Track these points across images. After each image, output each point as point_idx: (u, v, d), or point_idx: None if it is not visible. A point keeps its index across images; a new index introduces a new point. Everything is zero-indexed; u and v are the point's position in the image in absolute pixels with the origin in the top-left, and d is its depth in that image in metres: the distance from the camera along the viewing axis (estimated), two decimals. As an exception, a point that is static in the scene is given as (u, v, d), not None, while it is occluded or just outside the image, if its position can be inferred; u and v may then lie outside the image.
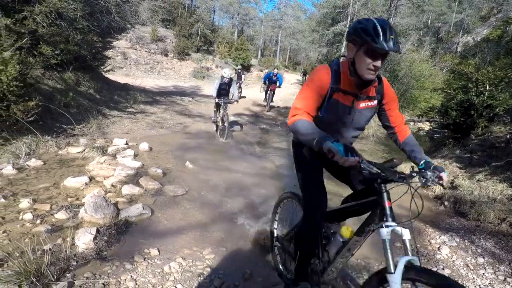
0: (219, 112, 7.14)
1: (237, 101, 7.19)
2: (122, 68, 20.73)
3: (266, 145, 7.05)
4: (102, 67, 10.53)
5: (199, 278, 2.29)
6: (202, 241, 2.81)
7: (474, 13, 28.59)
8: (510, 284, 2.59)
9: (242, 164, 5.36)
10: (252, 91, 16.91)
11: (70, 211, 2.91)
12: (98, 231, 2.57)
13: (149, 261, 2.40)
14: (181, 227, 3.01)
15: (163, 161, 4.90)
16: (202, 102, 12.84)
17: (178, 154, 5.36)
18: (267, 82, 12.46)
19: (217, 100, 6.98)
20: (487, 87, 6.00)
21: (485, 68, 6.16)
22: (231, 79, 7.06)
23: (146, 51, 24.19)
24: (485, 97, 6.02)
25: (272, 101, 12.45)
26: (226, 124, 6.71)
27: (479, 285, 2.58)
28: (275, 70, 12.73)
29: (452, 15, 28.44)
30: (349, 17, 17.45)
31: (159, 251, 2.53)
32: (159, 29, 26.28)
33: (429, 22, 28.92)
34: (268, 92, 12.39)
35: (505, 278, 2.67)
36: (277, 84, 12.20)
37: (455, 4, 28.24)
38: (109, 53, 11.85)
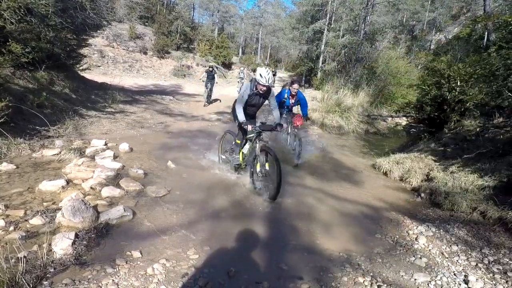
0: (253, 147, 4.24)
1: (283, 127, 4.33)
2: (99, 66, 20.10)
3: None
4: (77, 66, 10.14)
5: (184, 278, 2.27)
6: (186, 241, 2.78)
7: (445, 12, 29.83)
8: (481, 269, 2.74)
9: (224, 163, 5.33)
10: (233, 89, 16.82)
11: (46, 216, 2.80)
12: (76, 235, 2.49)
13: (131, 263, 2.35)
14: (164, 228, 2.97)
15: (144, 162, 4.80)
16: (183, 101, 12.67)
17: (159, 154, 5.26)
18: (285, 112, 6.16)
19: (249, 127, 3.96)
20: (458, 83, 6.28)
21: (456, 65, 6.44)
22: (269, 88, 4.21)
23: (124, 49, 23.55)
24: (456, 93, 6.30)
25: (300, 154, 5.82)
26: (280, 176, 3.71)
27: (453, 272, 2.71)
28: (295, 85, 6.04)
29: (425, 13, 29.52)
30: (327, 15, 17.71)
31: (141, 253, 2.49)
32: (137, 26, 25.64)
33: (404, 21, 29.88)
34: (290, 131, 6.20)
35: (476, 264, 2.83)
36: (301, 113, 6.12)
37: (428, 3, 29.31)
38: (84, 51, 11.42)
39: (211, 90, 11.96)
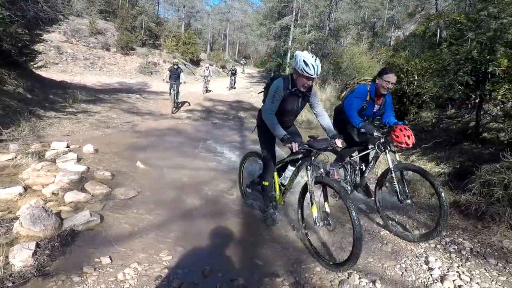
0: (295, 175, 2.96)
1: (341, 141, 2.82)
2: (57, 64, 18.76)
3: (219, 140, 7.01)
4: (32, 63, 9.39)
5: (157, 281, 2.23)
6: (158, 243, 2.72)
7: (402, 10, 31.58)
8: (440, 250, 2.98)
9: (196, 161, 5.27)
10: (201, 86, 16.54)
11: (1, 226, 2.58)
12: (38, 245, 2.33)
13: (100, 270, 2.26)
14: (134, 231, 2.87)
15: (111, 163, 4.59)
16: (151, 99, 12.27)
17: (127, 155, 5.07)
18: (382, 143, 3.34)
19: (294, 146, 2.49)
20: (416, 77, 6.72)
21: (413, 60, 6.88)
22: (310, 88, 2.86)
23: (84, 45, 22.16)
24: (414, 86, 6.74)
25: None
26: (359, 228, 2.28)
27: (416, 254, 2.92)
28: (391, 75, 3.27)
29: (385, 11, 31.03)
30: (294, 11, 17.97)
31: (111, 259, 2.40)
32: (98, 21, 24.27)
33: (366, 18, 31.14)
34: (391, 163, 3.25)
35: (435, 246, 3.06)
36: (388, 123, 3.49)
37: (387, 1, 30.81)
38: (39, 47, 10.59)
39: (177, 92, 10.06)
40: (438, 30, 12.87)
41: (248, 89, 17.61)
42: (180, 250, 2.64)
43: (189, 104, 11.60)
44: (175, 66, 10.14)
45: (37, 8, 7.60)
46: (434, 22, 7.17)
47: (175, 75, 9.93)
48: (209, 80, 15.60)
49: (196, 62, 29.51)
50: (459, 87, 5.43)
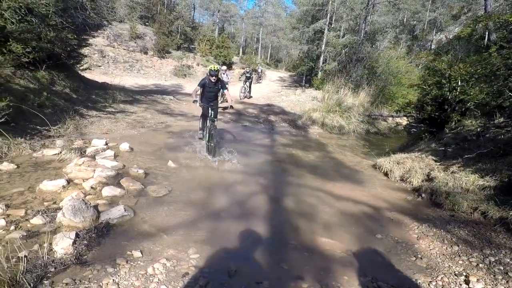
0: None
1: None
2: (99, 66, 20.08)
3: (249, 143, 7.05)
4: (78, 66, 10.15)
5: (184, 278, 2.27)
6: (187, 241, 2.78)
7: (446, 12, 29.78)
8: (482, 270, 2.74)
9: (225, 163, 5.33)
10: (234, 88, 16.77)
11: (47, 215, 2.80)
12: (77, 235, 2.49)
13: (132, 263, 2.35)
14: (164, 227, 2.97)
15: (145, 161, 4.80)
16: (184, 101, 12.65)
17: (160, 154, 5.27)
18: None
19: None
20: (459, 82, 6.28)
21: (457, 64, 6.43)
22: None
23: (124, 49, 23.52)
24: (457, 92, 6.30)
25: None
26: None
27: (454, 272, 2.71)
28: None
29: (426, 13, 29.50)
30: (328, 14, 17.69)
31: (142, 253, 2.49)
32: (138, 26, 25.63)
33: (404, 20, 29.84)
34: None
35: (477, 264, 2.82)
36: None
37: (428, 3, 29.30)
38: (85, 51, 11.42)
39: (214, 122, 5.43)
40: (487, 33, 11.97)
41: (279, 93, 17.57)
42: (208, 249, 2.68)
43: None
44: (214, 78, 5.29)
45: (85, 15, 8.22)
46: (482, 24, 6.68)
47: (211, 93, 5.53)
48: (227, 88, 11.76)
49: (228, 66, 30.07)
50: (510, 94, 5.00)
